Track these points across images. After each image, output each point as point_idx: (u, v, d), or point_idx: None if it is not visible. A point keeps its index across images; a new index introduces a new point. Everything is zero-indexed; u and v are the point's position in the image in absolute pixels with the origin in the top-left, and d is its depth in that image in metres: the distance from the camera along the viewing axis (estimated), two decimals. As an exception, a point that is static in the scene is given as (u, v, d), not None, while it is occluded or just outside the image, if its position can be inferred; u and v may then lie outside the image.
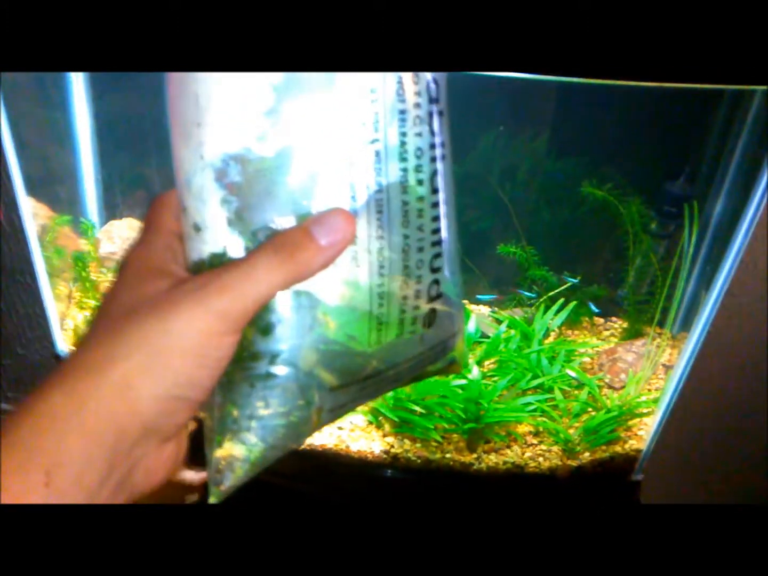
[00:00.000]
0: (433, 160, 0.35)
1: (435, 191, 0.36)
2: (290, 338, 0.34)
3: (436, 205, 0.36)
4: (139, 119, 1.23)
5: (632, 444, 1.09)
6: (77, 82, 1.21)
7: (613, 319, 1.33)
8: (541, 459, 1.05)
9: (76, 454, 0.30)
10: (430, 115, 0.34)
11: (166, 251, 0.36)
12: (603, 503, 1.07)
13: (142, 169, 1.34)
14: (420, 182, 0.35)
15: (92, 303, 1.22)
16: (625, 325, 1.30)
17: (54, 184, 1.28)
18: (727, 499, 1.13)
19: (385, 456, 1.04)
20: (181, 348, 0.31)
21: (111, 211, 1.35)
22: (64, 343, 1.16)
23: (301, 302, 0.34)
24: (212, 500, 0.35)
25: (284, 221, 0.33)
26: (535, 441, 1.08)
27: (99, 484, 0.30)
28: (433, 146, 0.35)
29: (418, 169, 0.34)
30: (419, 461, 1.03)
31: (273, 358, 0.34)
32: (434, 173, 0.35)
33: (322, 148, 0.32)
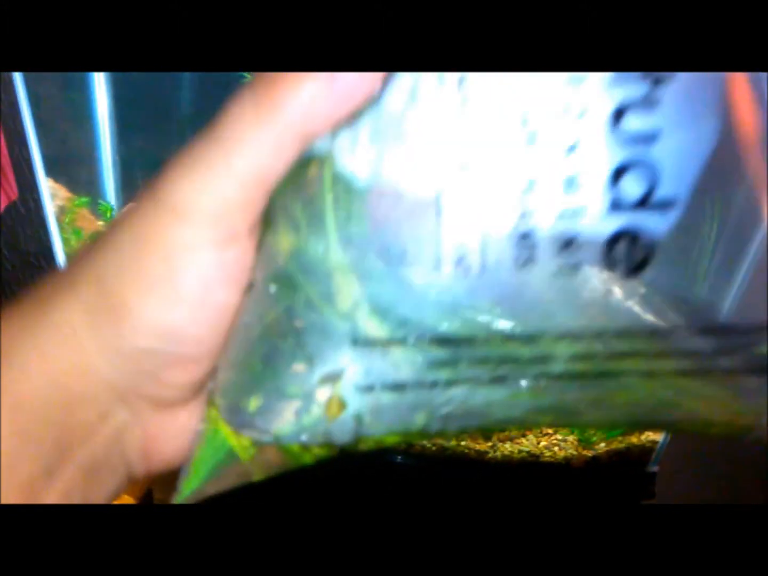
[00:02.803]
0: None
1: None
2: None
3: None
4: (159, 101, 1.22)
5: (648, 435, 1.06)
6: (97, 64, 1.19)
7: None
8: (556, 448, 1.02)
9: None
10: None
11: None
12: (618, 494, 1.05)
13: (161, 152, 1.32)
14: None
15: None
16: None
17: (73, 166, 1.26)
18: (743, 496, 1.11)
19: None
20: (138, 274, 0.22)
21: (130, 193, 1.34)
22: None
23: None
24: (179, 499, 0.26)
25: None
26: (550, 430, 1.05)
27: (46, 473, 0.22)
28: None
29: None
30: (434, 448, 1.01)
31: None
32: None
33: None
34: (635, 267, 0.23)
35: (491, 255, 0.23)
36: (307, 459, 0.25)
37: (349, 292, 0.23)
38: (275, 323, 0.24)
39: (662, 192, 0.22)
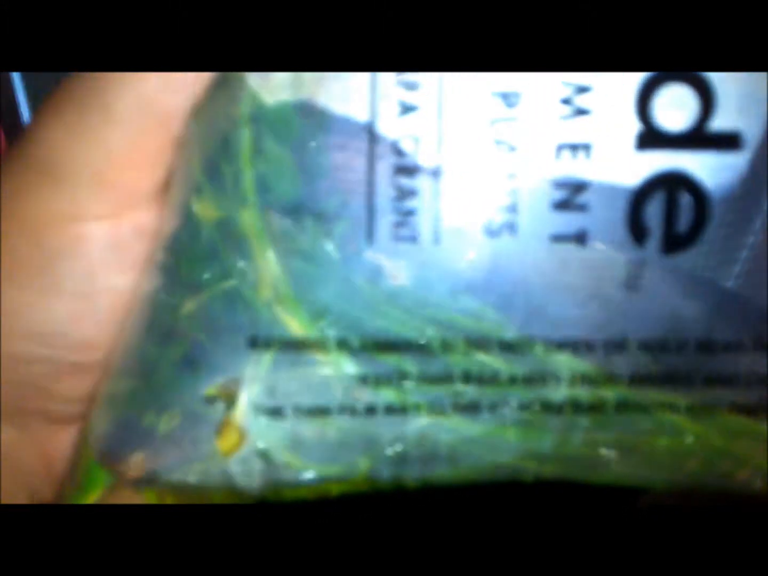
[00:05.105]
0: None
1: None
2: None
3: None
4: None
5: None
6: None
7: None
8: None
9: None
10: None
11: None
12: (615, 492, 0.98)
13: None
14: None
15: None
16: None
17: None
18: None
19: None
20: (5, 258, 0.16)
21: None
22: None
23: None
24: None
25: None
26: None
27: None
28: None
29: None
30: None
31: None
32: None
33: None
34: (678, 240, 0.13)
35: (449, 214, 0.14)
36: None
37: (265, 266, 0.15)
38: (194, 317, 0.15)
39: (721, 122, 0.13)
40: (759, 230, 0.14)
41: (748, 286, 0.14)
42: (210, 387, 0.15)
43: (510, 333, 0.14)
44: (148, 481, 0.16)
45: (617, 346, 0.14)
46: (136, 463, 0.16)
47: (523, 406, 0.15)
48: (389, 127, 0.14)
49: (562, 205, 0.13)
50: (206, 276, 0.15)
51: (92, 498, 0.17)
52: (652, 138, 0.13)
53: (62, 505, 0.18)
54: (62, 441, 0.18)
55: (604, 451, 0.15)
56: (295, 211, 0.14)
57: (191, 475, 0.15)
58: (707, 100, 0.13)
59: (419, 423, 0.15)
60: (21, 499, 0.18)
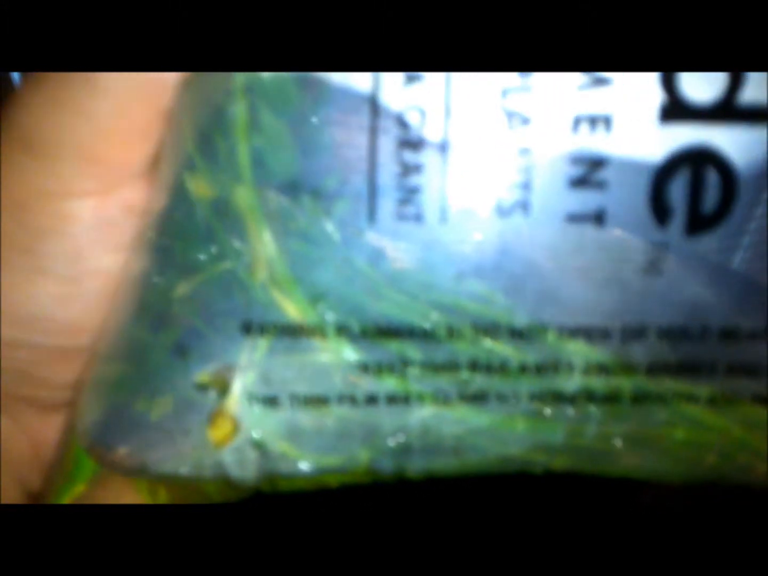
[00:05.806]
0: None
1: None
2: None
3: None
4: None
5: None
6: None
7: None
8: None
9: None
10: None
11: None
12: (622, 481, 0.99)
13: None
14: None
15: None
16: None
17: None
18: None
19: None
20: None
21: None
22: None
23: None
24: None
25: None
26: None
27: None
28: None
29: None
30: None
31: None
32: None
33: None
34: (703, 221, 0.13)
35: (456, 192, 0.13)
36: (210, 496, 0.16)
37: (261, 246, 0.14)
38: (187, 300, 0.15)
39: (751, 94, 0.12)
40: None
41: (755, 271, 0.13)
42: (202, 374, 0.14)
43: (520, 319, 0.13)
44: (139, 471, 0.15)
45: (635, 333, 0.13)
46: (126, 452, 0.15)
47: (534, 397, 0.14)
48: (393, 98, 0.13)
49: (579, 183, 0.12)
50: (200, 257, 0.14)
51: (81, 487, 0.16)
52: (676, 110, 0.12)
53: (53, 505, 0.17)
54: (51, 428, 0.18)
55: (618, 444, 0.15)
56: (293, 188, 0.13)
57: (183, 465, 0.15)
58: (734, 75, 0.12)
59: (423, 413, 0.14)
60: (10, 487, 0.18)
